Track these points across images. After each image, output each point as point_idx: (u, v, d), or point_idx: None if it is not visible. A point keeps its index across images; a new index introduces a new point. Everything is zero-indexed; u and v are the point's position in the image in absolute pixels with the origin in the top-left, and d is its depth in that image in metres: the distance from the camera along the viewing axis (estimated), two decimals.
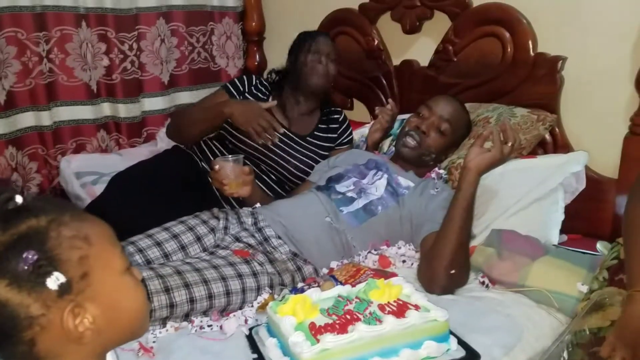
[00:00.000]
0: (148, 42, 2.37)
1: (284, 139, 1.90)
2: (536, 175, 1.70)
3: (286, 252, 1.52)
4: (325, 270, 1.54)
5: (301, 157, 1.93)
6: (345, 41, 2.40)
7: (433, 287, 1.40)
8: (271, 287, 1.41)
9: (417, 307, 1.14)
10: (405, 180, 1.69)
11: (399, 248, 1.60)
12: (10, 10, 1.99)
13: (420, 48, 2.25)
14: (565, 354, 1.11)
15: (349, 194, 1.65)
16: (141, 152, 2.25)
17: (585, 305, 1.24)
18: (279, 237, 1.55)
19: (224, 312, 1.34)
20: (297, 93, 1.97)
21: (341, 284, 1.35)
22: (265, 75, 2.11)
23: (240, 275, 1.36)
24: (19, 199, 0.68)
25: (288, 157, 1.91)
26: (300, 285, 1.47)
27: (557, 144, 1.90)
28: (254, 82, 1.99)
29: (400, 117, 2.06)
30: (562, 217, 1.67)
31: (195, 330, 1.25)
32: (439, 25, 2.15)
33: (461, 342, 1.16)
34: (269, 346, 1.13)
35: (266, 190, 1.90)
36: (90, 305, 0.68)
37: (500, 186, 1.69)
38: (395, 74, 2.31)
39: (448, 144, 1.80)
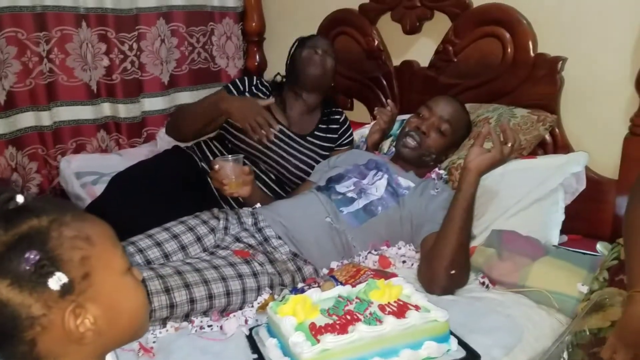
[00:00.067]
0: (148, 43, 2.37)
1: (284, 137, 1.90)
2: (536, 176, 1.70)
3: (286, 252, 1.52)
4: (325, 271, 1.54)
5: (301, 156, 1.93)
6: (345, 41, 2.40)
7: (433, 287, 1.40)
8: (271, 287, 1.41)
9: (417, 308, 1.14)
10: (406, 181, 1.69)
11: (399, 248, 1.60)
12: (11, 10, 1.98)
13: (420, 48, 2.25)
14: (565, 355, 1.11)
15: (349, 194, 1.65)
16: (141, 152, 2.25)
17: (586, 305, 1.24)
18: (279, 238, 1.55)
19: (224, 312, 1.34)
20: (297, 88, 1.97)
21: (341, 284, 1.34)
22: (265, 77, 2.12)
23: (240, 276, 1.36)
24: (20, 198, 0.68)
25: (287, 157, 1.91)
26: (300, 285, 1.47)
27: (557, 144, 1.90)
28: (254, 83, 2.00)
29: (400, 117, 2.06)
30: (562, 217, 1.67)
31: (196, 331, 1.25)
32: (439, 25, 2.15)
33: (461, 343, 1.16)
34: (269, 346, 1.13)
35: (265, 190, 1.90)
36: (91, 306, 0.68)
37: (501, 187, 1.69)
38: (396, 75, 2.31)
39: (448, 144, 1.80)
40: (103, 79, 2.27)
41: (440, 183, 1.73)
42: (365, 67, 2.38)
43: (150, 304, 1.21)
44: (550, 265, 1.43)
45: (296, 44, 2.03)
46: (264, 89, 1.99)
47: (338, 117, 2.06)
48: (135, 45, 2.33)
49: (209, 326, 1.27)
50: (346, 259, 1.58)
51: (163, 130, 2.21)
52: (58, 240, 0.66)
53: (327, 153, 1.99)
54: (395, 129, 2.05)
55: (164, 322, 1.26)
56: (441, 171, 1.81)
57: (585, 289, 1.34)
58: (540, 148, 1.91)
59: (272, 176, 1.94)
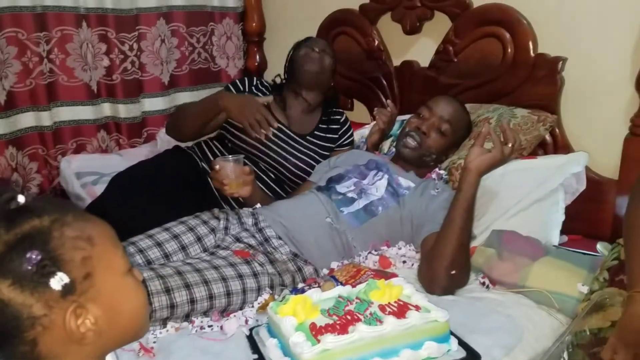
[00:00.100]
0: (148, 43, 2.37)
1: (283, 137, 1.91)
2: (536, 176, 1.70)
3: (287, 252, 1.52)
4: (325, 271, 1.54)
5: (300, 156, 1.93)
6: (345, 42, 2.40)
7: (433, 287, 1.40)
8: (272, 287, 1.41)
9: (417, 308, 1.14)
10: (406, 181, 1.69)
11: (400, 249, 1.60)
12: (11, 11, 1.99)
13: (420, 49, 2.25)
14: (565, 355, 1.11)
15: (350, 195, 1.65)
16: (141, 153, 2.25)
17: (586, 305, 1.24)
18: (280, 238, 1.55)
19: (225, 312, 1.34)
20: (296, 87, 1.98)
21: (342, 284, 1.34)
22: (265, 77, 2.13)
23: (240, 276, 1.37)
24: (21, 198, 0.68)
25: (287, 156, 1.91)
26: (300, 285, 1.47)
27: (558, 144, 1.90)
28: (254, 83, 2.01)
29: (401, 117, 2.06)
30: (562, 217, 1.67)
31: (196, 331, 1.25)
32: (439, 25, 2.15)
33: (462, 343, 1.16)
34: (270, 347, 1.13)
35: (265, 189, 1.90)
36: (92, 306, 0.68)
37: (501, 187, 1.69)
38: (396, 75, 2.31)
39: (448, 144, 1.80)
40: (103, 79, 2.28)
41: (441, 183, 1.73)
42: (365, 68, 2.38)
43: (150, 305, 1.21)
44: (551, 265, 1.44)
45: (294, 48, 2.04)
46: (264, 90, 2.00)
47: (338, 117, 2.06)
48: (135, 46, 2.33)
49: (209, 326, 1.27)
50: (346, 259, 1.58)
51: (163, 130, 2.21)
52: (60, 240, 0.66)
53: (327, 153, 1.99)
54: (396, 129, 2.05)
55: (164, 322, 1.26)
56: (441, 171, 1.81)
57: (585, 289, 1.34)
58: (541, 148, 1.91)
59: (272, 176, 1.94)
